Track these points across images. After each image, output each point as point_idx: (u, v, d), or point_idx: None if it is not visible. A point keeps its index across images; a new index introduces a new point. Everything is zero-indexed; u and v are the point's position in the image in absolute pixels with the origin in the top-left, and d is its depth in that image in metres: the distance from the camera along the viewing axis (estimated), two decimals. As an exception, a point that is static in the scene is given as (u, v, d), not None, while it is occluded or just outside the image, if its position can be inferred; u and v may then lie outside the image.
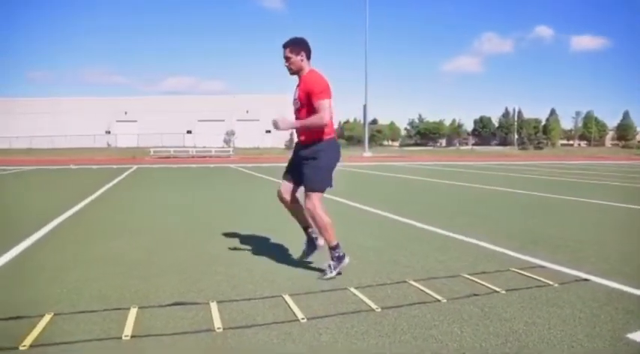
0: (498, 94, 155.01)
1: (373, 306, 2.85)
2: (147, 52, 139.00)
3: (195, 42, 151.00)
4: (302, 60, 3.59)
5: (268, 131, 63.94)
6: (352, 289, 3.18)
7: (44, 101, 66.77)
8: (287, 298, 2.99)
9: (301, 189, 3.70)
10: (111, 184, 11.75)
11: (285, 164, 3.95)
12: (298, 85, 3.65)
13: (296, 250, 4.18)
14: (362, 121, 57.19)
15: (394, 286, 3.28)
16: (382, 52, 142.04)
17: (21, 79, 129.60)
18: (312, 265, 3.81)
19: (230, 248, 4.45)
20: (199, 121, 65.01)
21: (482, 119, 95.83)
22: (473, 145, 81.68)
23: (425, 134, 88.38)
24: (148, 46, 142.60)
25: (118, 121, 65.33)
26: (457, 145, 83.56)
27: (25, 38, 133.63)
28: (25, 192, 10.59)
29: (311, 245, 3.83)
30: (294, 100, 3.67)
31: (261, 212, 6.99)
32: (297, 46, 3.58)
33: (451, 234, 5.12)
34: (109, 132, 64.27)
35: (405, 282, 3.36)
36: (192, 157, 35.99)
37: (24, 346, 2.28)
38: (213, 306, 2.83)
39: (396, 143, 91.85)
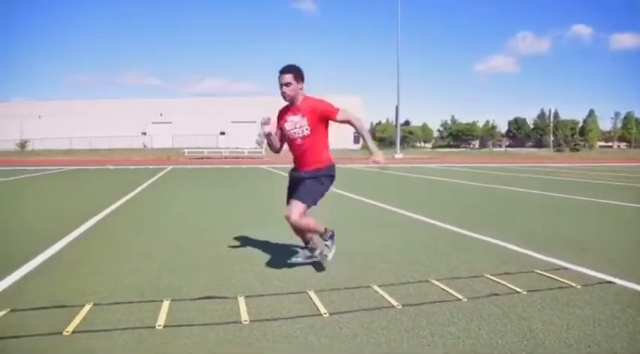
0: (534, 95, 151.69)
1: (394, 303, 2.94)
2: (182, 55, 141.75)
3: (228, 44, 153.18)
4: (301, 88, 3.61)
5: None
6: (375, 287, 3.27)
7: (83, 103, 68.99)
8: (312, 294, 3.12)
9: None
10: (146, 184, 12.14)
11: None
12: (296, 113, 3.61)
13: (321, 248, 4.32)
14: (394, 123, 56.98)
15: (416, 284, 3.36)
16: (415, 53, 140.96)
17: (62, 83, 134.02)
18: (338, 263, 3.92)
19: (258, 246, 4.61)
20: (232, 122, 65.89)
21: (516, 120, 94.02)
22: (507, 146, 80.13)
23: (457, 136, 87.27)
24: (183, 48, 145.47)
25: (153, 122, 66.83)
26: (490, 146, 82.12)
27: (66, 42, 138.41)
28: (67, 191, 11.06)
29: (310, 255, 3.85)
30: (295, 128, 3.60)
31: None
32: (301, 75, 3.59)
33: (476, 235, 5.15)
34: (144, 133, 65.83)
35: (428, 281, 3.44)
36: (225, 157, 36.54)
37: (67, 331, 2.48)
38: (241, 300, 2.98)
39: (429, 145, 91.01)
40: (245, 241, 4.83)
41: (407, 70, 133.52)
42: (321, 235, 3.82)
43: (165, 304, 2.90)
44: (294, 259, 3.76)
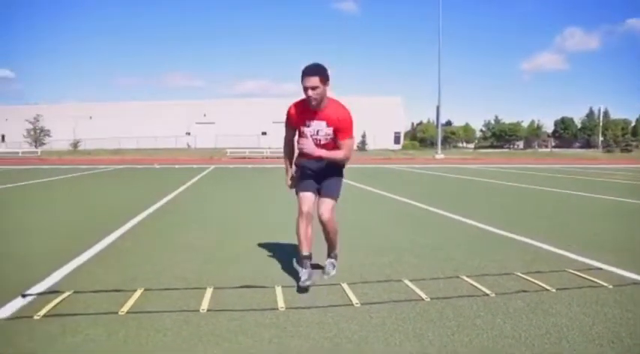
0: (582, 94, 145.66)
1: (423, 296, 3.08)
2: (225, 56, 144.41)
3: (270, 44, 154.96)
4: (327, 90, 3.33)
5: (340, 133, 64.55)
6: (406, 281, 3.41)
7: (131, 105, 71.53)
8: (344, 286, 3.29)
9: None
10: (190, 183, 12.62)
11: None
12: (320, 117, 3.38)
13: (355, 243, 4.50)
14: (435, 123, 56.37)
15: (446, 280, 3.48)
16: (457, 51, 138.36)
17: (112, 85, 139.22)
18: (371, 258, 4.08)
19: (293, 241, 4.82)
20: (274, 122, 66.74)
21: (563, 120, 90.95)
22: (553, 147, 77.63)
23: (501, 136, 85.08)
24: (227, 50, 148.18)
25: (197, 123, 68.52)
26: (536, 147, 79.74)
27: (115, 46, 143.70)
28: (118, 188, 11.64)
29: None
30: (319, 134, 3.42)
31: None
32: (326, 75, 3.28)
33: (512, 235, 5.19)
34: (189, 133, 67.58)
35: (458, 277, 3.55)
36: (266, 157, 37.14)
37: (122, 311, 2.76)
38: (278, 289, 3.19)
39: (471, 145, 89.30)
40: (280, 235, 5.04)
41: (449, 69, 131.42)
42: (334, 249, 3.71)
43: (209, 291, 3.15)
44: (308, 283, 3.20)
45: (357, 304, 2.93)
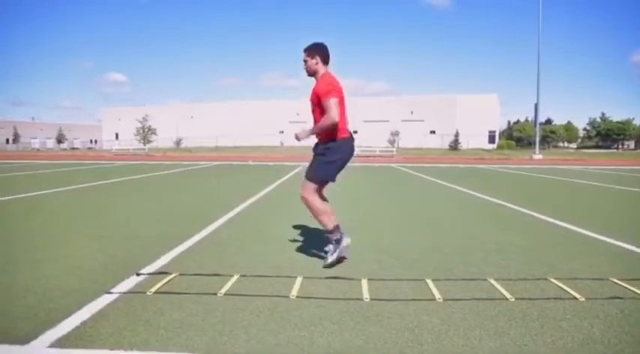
0: None
1: (507, 295, 3.07)
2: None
3: (360, 44, 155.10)
4: (317, 63, 3.84)
5: (432, 132, 63.37)
6: (491, 280, 3.41)
7: (229, 105, 75.21)
8: (429, 281, 3.36)
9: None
10: (283, 179, 13.13)
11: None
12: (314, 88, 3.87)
13: (442, 241, 4.53)
14: (533, 122, 53.45)
15: (534, 282, 3.42)
16: (558, 43, 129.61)
17: (212, 86, 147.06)
18: (457, 257, 4.10)
19: (382, 237, 4.95)
20: (364, 121, 66.95)
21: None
22: (671, 148, 70.37)
23: (608, 135, 78.52)
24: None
25: (290, 122, 70.52)
26: (650, 147, 72.75)
27: (214, 49, 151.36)
28: (217, 182, 12.42)
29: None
30: (311, 102, 3.89)
31: (415, 208, 7.37)
32: (313, 50, 3.84)
33: (609, 239, 4.92)
34: (282, 132, 69.74)
35: (546, 279, 3.48)
36: (357, 156, 37.40)
37: (220, 293, 3.07)
38: (364, 282, 3.34)
39: (573, 145, 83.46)
40: (368, 232, 5.18)
41: (549, 63, 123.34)
42: (327, 232, 3.85)
43: (298, 280, 3.37)
44: (327, 264, 3.74)
45: (439, 299, 3.00)
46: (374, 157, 36.46)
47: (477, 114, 62.00)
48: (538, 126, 41.32)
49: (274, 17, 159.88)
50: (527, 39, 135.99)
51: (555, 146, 75.19)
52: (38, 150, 68.18)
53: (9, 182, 12.04)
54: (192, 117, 74.54)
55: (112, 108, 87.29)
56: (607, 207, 8.21)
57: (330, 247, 3.81)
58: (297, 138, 3.85)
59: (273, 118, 71.59)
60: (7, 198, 8.19)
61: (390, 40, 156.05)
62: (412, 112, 66.57)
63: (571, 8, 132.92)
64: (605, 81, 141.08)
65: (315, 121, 3.85)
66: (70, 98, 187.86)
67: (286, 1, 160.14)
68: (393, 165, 23.53)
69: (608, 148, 74.36)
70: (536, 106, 39.50)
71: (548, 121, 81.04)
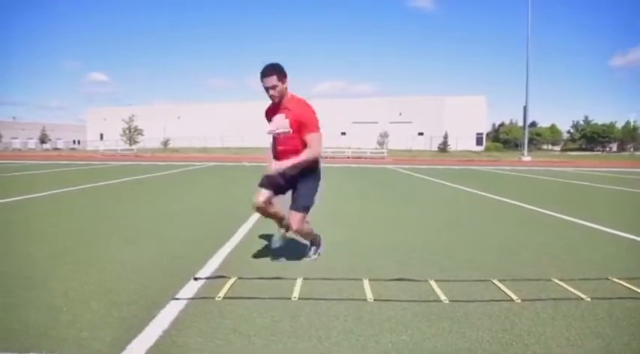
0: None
1: (582, 295, 3.07)
2: (301, 57, 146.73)
3: (346, 44, 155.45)
4: (286, 87, 3.60)
5: (420, 133, 63.73)
6: (555, 280, 3.41)
7: (214, 105, 74.77)
8: (496, 282, 3.34)
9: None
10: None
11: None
12: (281, 111, 3.64)
13: (488, 243, 4.54)
14: (518, 124, 54.09)
15: (596, 281, 3.42)
16: (542, 46, 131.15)
17: (199, 86, 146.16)
18: (507, 258, 4.10)
19: (431, 238, 4.98)
20: (353, 123, 66.99)
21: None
22: (652, 150, 71.71)
23: (592, 138, 79.70)
24: (304, 50, 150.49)
25: (277, 123, 70.17)
26: (631, 150, 74.04)
27: (200, 48, 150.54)
28: (226, 181, 12.29)
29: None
30: (278, 127, 3.66)
31: (454, 208, 7.38)
32: (283, 73, 3.54)
33: (648, 240, 4.98)
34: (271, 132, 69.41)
35: (607, 279, 3.47)
36: (348, 157, 37.47)
37: (294, 297, 2.99)
38: (432, 283, 3.30)
39: (557, 147, 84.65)
40: (412, 233, 5.16)
41: (534, 66, 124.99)
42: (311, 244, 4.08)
43: (365, 282, 3.31)
44: (310, 257, 4.00)
45: (517, 299, 2.98)
46: (365, 158, 36.58)
47: (465, 116, 62.44)
48: (527, 128, 41.89)
49: (260, 18, 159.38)
50: (511, 41, 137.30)
51: (540, 148, 76.05)
52: (20, 150, 67.04)
53: (8, 182, 11.76)
54: (179, 117, 73.89)
55: (96, 108, 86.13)
56: (620, 208, 8.30)
57: (313, 248, 4.05)
58: (275, 171, 3.66)
59: (260, 119, 71.28)
60: (30, 197, 7.96)
61: (374, 41, 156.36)
62: (400, 114, 66.78)
63: (557, 9, 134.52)
64: (588, 84, 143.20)
65: (283, 149, 3.69)
66: (56, 98, 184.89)
67: (272, 2, 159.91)
68: (389, 167, 23.59)
69: (592, 150, 75.50)
70: (525, 108, 40.04)
71: (533, 124, 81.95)
